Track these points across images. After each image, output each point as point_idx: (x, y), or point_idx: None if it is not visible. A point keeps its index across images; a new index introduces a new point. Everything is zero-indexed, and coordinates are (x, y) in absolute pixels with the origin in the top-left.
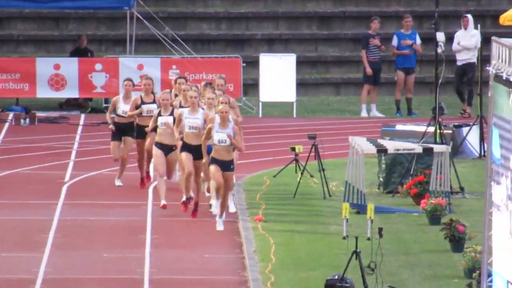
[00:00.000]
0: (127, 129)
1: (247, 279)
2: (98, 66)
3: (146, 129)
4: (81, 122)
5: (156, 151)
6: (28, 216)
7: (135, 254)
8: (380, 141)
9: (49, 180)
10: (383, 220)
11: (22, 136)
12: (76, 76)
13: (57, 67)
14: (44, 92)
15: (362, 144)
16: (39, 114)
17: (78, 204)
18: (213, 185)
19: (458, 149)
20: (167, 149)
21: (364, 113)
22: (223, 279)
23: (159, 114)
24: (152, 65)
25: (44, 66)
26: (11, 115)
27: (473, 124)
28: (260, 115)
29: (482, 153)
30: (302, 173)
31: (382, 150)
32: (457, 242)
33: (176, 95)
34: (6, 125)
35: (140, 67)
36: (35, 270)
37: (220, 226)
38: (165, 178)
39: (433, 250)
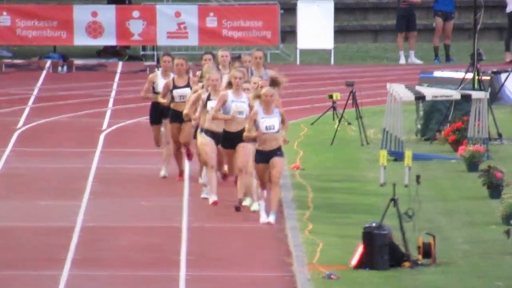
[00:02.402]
0: (166, 110)
1: (284, 227)
2: (136, 14)
3: (193, 117)
4: (119, 70)
5: (205, 140)
6: (66, 164)
7: (172, 203)
8: (418, 88)
9: (87, 128)
10: (421, 167)
11: (60, 83)
12: (114, 23)
13: (94, 14)
14: (81, 40)
15: (400, 91)
16: (77, 61)
17: (115, 152)
18: (255, 183)
19: (496, 96)
20: (218, 138)
21: (402, 60)
22: (262, 227)
23: (208, 99)
24: (189, 13)
25: (82, 13)
26: (48, 62)
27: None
28: (298, 63)
29: None
30: (339, 121)
31: (420, 97)
32: (495, 188)
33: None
34: (44, 72)
35: (177, 14)
36: (74, 218)
37: (272, 219)
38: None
39: (471, 197)
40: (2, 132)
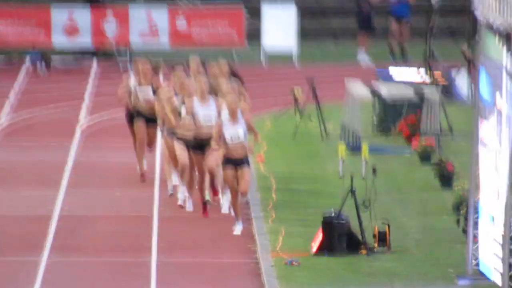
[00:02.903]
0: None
1: (250, 216)
2: (109, 13)
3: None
4: (94, 67)
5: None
6: (45, 157)
7: (144, 194)
8: (375, 84)
9: (65, 122)
10: (377, 159)
11: (39, 81)
12: (89, 24)
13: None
14: (59, 40)
15: (357, 88)
16: (55, 59)
17: (92, 146)
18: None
19: (448, 92)
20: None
21: (360, 57)
22: (228, 217)
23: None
24: (159, 14)
25: (59, 14)
26: (28, 60)
27: (462, 68)
28: (263, 63)
29: (471, 95)
30: (301, 116)
31: (376, 94)
32: (446, 180)
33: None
34: (23, 70)
35: (149, 18)
36: (52, 207)
37: (238, 231)
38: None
39: (424, 188)
40: None
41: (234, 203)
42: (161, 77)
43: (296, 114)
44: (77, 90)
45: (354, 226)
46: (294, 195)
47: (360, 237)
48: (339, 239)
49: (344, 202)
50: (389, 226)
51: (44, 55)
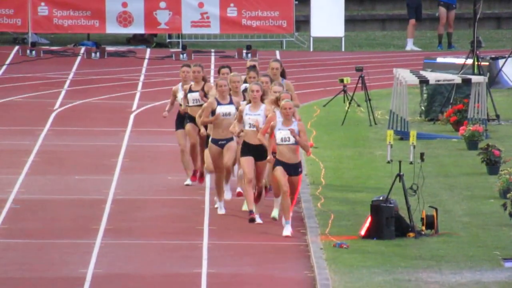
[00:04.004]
0: (186, 119)
1: (300, 199)
2: (162, 4)
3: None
4: (147, 56)
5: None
6: (99, 142)
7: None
8: (422, 72)
9: (118, 109)
10: (424, 145)
11: (93, 68)
12: (142, 13)
13: (124, 5)
14: (113, 28)
15: (405, 76)
16: (109, 48)
17: (144, 131)
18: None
19: (494, 80)
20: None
21: (409, 47)
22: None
23: (218, 103)
24: (211, 2)
25: (113, 3)
26: (83, 49)
27: (509, 56)
28: (311, 50)
29: None
30: (350, 103)
31: (424, 81)
32: (492, 165)
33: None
34: (79, 58)
35: (201, 5)
36: (106, 191)
37: (287, 231)
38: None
39: (471, 173)
40: (40, 113)
41: (283, 205)
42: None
43: (345, 101)
44: (130, 77)
45: (402, 210)
46: (342, 179)
47: (408, 220)
48: (387, 222)
49: (392, 187)
50: (436, 210)
51: (98, 44)
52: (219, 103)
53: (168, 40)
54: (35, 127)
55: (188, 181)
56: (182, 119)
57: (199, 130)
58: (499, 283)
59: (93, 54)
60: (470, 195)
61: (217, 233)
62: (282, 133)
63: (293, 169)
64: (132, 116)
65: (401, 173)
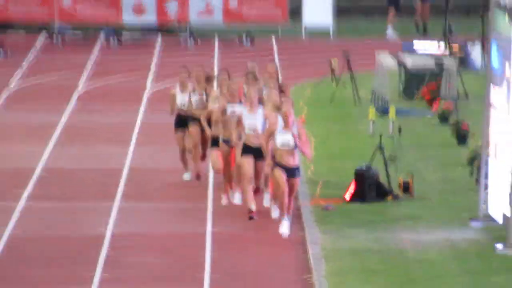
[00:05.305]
0: (189, 120)
1: None
2: None
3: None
4: (159, 42)
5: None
6: (116, 119)
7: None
8: (401, 56)
9: (133, 90)
10: (402, 121)
11: (111, 54)
12: (154, 3)
13: None
14: (128, 17)
15: (386, 59)
16: (125, 35)
17: (156, 109)
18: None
19: (464, 63)
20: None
21: (389, 33)
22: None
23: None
24: None
25: None
26: (102, 36)
27: (477, 41)
28: (303, 37)
29: (484, 65)
30: (337, 83)
31: (402, 64)
32: (462, 137)
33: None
34: (98, 44)
35: None
36: (123, 161)
37: (285, 228)
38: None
39: (442, 145)
40: (65, 93)
41: (281, 203)
42: (215, 84)
43: (333, 82)
44: (144, 61)
45: (382, 177)
46: (330, 150)
47: (387, 186)
48: (369, 188)
49: (374, 157)
50: (412, 177)
51: (116, 31)
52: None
53: (177, 28)
54: (61, 105)
55: (187, 176)
56: (180, 121)
57: (202, 131)
58: (466, 240)
59: (111, 41)
60: (442, 163)
61: (220, 198)
62: (282, 137)
63: (291, 172)
64: (145, 96)
65: (382, 145)
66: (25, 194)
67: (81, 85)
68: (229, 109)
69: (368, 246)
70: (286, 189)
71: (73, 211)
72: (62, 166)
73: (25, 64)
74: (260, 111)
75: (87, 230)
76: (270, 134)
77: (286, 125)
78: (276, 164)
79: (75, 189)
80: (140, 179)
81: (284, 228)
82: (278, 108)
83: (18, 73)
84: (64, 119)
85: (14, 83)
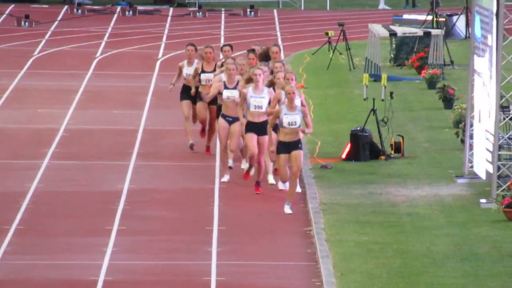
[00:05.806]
0: (200, 97)
1: None
2: None
3: (206, 97)
4: (170, 13)
5: (223, 123)
6: (132, 83)
7: None
8: (392, 27)
9: (147, 57)
10: (393, 86)
11: (127, 24)
12: None
13: None
14: None
15: (378, 29)
16: (139, 7)
17: (168, 75)
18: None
19: (449, 32)
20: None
21: (381, 6)
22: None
23: (225, 86)
24: None
25: None
26: (118, 8)
27: (461, 13)
28: (302, 8)
29: (467, 35)
30: (333, 52)
31: (393, 34)
32: (448, 101)
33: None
34: (115, 15)
35: None
36: (137, 122)
37: (287, 209)
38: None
39: (430, 108)
40: (85, 60)
41: (289, 190)
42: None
43: (329, 50)
44: (156, 31)
45: (375, 138)
46: (327, 113)
47: (380, 146)
48: (363, 148)
49: (367, 119)
50: (403, 138)
51: (131, 3)
52: (226, 87)
53: (187, 1)
54: (81, 71)
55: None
56: (187, 90)
57: (209, 107)
58: (452, 195)
59: (127, 12)
60: (429, 125)
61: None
62: (288, 118)
63: (293, 146)
64: (158, 63)
65: (375, 108)
66: (49, 153)
67: (99, 52)
68: (226, 94)
69: (363, 200)
70: (287, 179)
71: (93, 168)
72: (81, 127)
73: (48, 34)
74: (266, 91)
75: (105, 186)
76: (275, 104)
77: (291, 105)
78: (279, 143)
79: (94, 148)
80: (154, 139)
81: (287, 210)
82: (282, 88)
83: (42, 42)
84: (84, 83)
85: (38, 50)
